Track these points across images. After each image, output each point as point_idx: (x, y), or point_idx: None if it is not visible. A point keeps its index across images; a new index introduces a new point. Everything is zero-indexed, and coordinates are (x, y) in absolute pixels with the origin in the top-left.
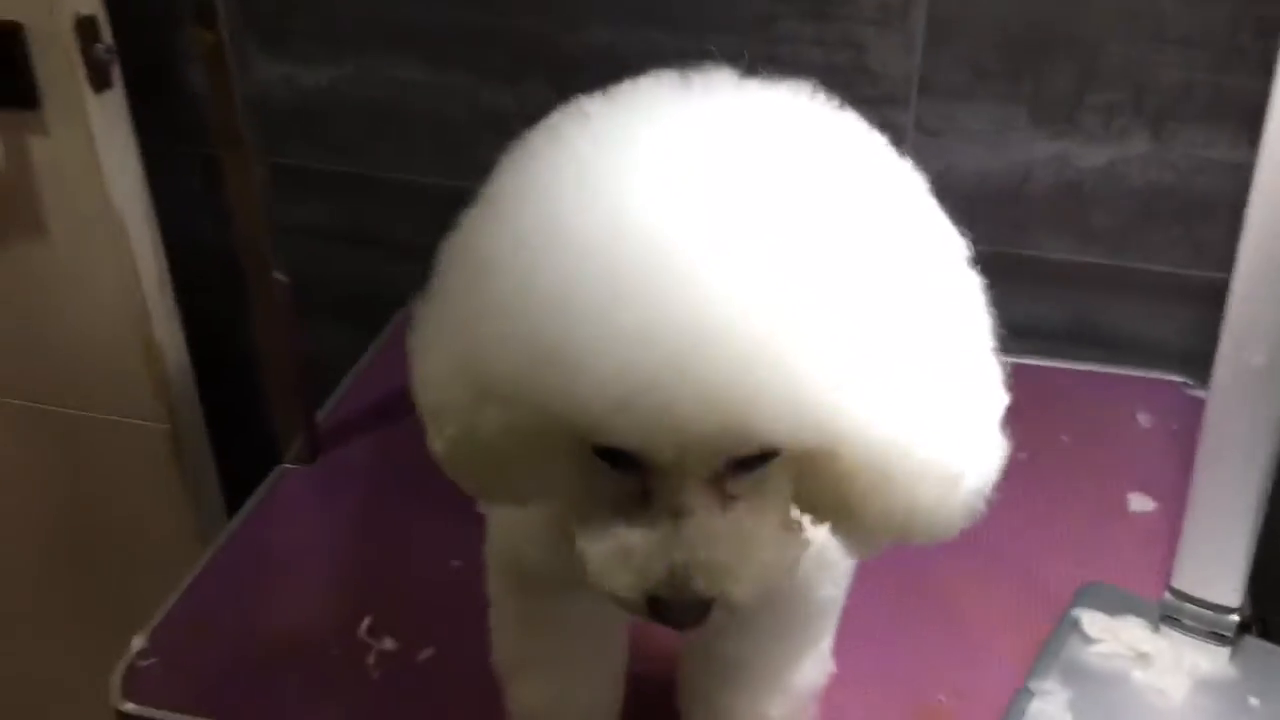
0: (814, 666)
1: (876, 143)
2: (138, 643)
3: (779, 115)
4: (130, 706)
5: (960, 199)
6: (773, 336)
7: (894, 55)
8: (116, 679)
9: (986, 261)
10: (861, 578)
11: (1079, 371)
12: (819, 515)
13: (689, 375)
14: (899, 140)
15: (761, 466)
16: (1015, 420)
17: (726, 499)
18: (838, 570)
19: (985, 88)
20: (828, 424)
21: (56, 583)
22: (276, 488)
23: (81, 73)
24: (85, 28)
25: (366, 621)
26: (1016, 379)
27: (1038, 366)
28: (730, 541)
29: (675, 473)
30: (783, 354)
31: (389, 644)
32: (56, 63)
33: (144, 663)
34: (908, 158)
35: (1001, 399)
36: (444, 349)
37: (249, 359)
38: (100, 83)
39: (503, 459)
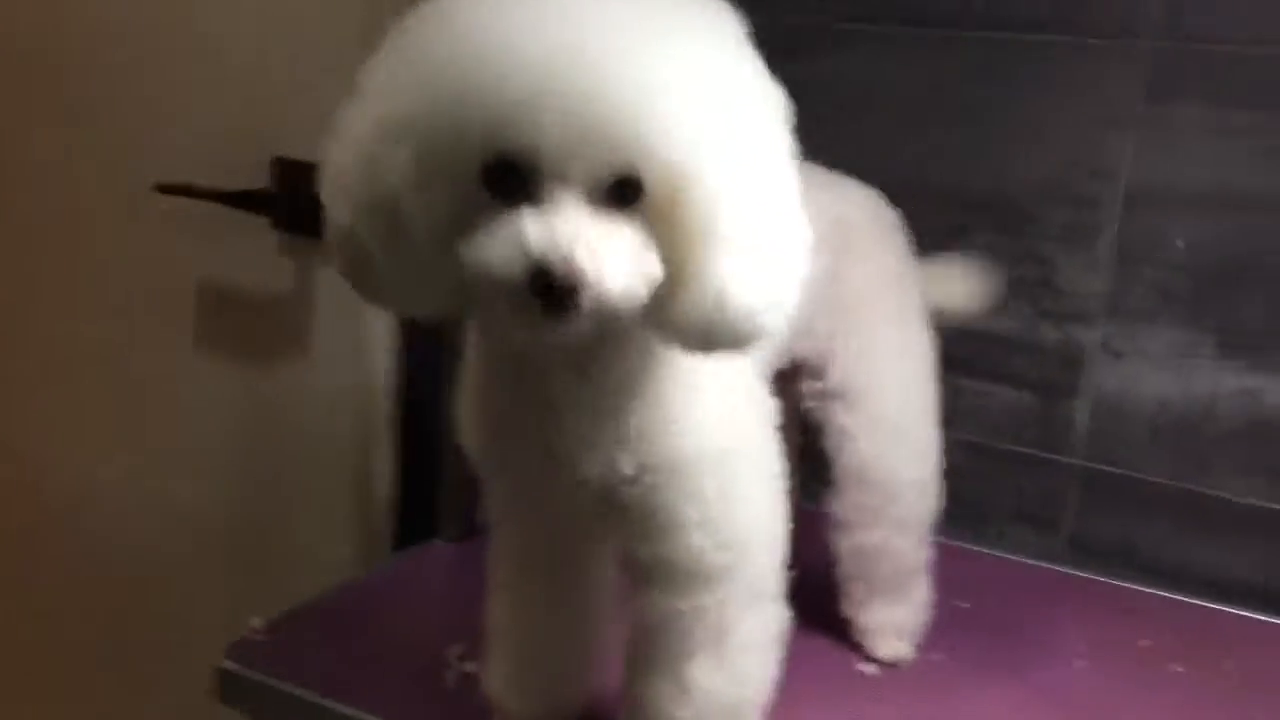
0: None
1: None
2: (256, 621)
3: None
4: (229, 665)
5: (1142, 424)
6: (642, 75)
7: (1080, 273)
8: (226, 643)
9: (1167, 497)
10: None
11: (1262, 623)
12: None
13: (572, 81)
14: (1081, 358)
15: (628, 206)
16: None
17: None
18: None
19: (1171, 312)
20: (674, 154)
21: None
22: (426, 551)
23: None
24: None
25: (457, 648)
26: (1192, 624)
27: (1215, 611)
28: (602, 231)
29: (558, 186)
30: (649, 85)
31: (469, 667)
32: None
33: (256, 637)
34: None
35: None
36: (358, 119)
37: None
38: None
39: (397, 221)
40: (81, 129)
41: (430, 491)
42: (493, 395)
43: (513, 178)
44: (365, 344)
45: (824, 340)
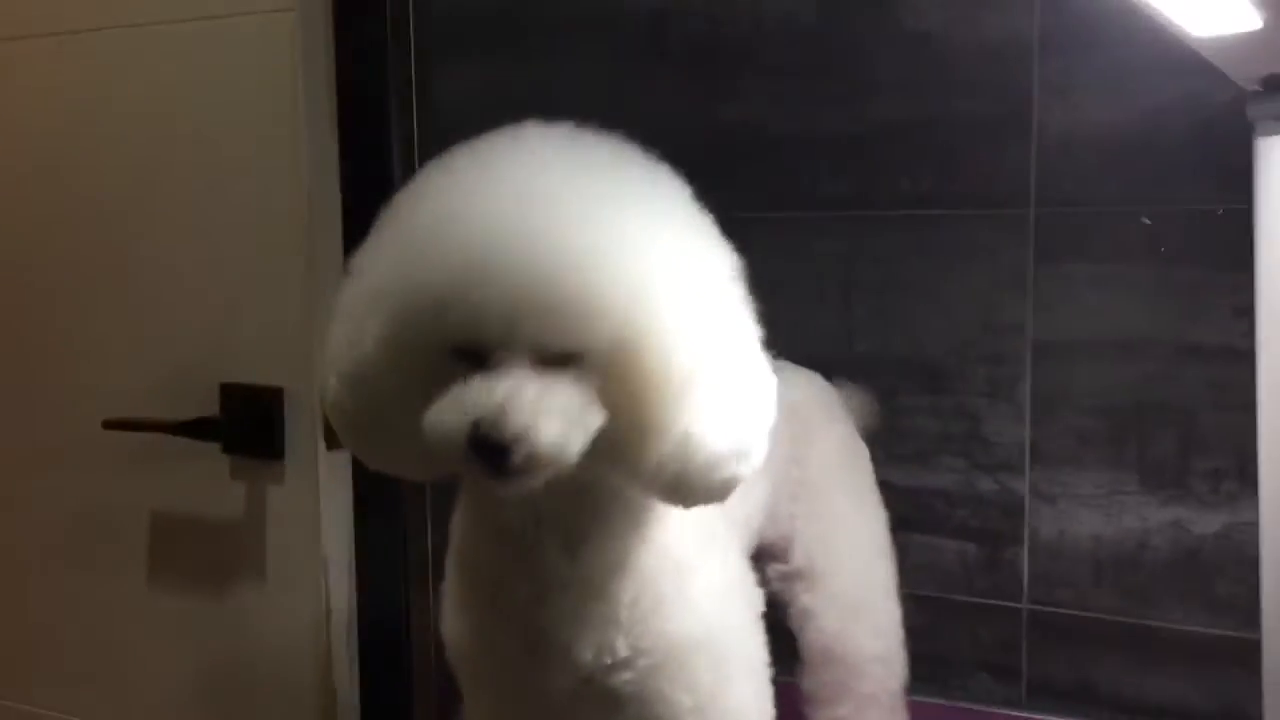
0: None
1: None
2: None
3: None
4: None
5: (1080, 562)
6: (578, 255)
7: (1006, 425)
8: None
9: (1115, 632)
10: None
11: None
12: (615, 420)
13: (508, 268)
14: (1017, 505)
15: (572, 366)
16: None
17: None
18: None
19: (1093, 455)
20: (612, 324)
21: None
22: None
23: (320, 431)
24: None
25: None
26: None
27: None
28: (539, 388)
29: (504, 354)
30: (582, 265)
31: None
32: (304, 422)
33: None
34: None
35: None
36: (349, 295)
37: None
38: (333, 442)
39: (379, 387)
40: (33, 370)
41: (398, 705)
42: (481, 575)
43: (471, 348)
44: (322, 562)
45: (786, 523)
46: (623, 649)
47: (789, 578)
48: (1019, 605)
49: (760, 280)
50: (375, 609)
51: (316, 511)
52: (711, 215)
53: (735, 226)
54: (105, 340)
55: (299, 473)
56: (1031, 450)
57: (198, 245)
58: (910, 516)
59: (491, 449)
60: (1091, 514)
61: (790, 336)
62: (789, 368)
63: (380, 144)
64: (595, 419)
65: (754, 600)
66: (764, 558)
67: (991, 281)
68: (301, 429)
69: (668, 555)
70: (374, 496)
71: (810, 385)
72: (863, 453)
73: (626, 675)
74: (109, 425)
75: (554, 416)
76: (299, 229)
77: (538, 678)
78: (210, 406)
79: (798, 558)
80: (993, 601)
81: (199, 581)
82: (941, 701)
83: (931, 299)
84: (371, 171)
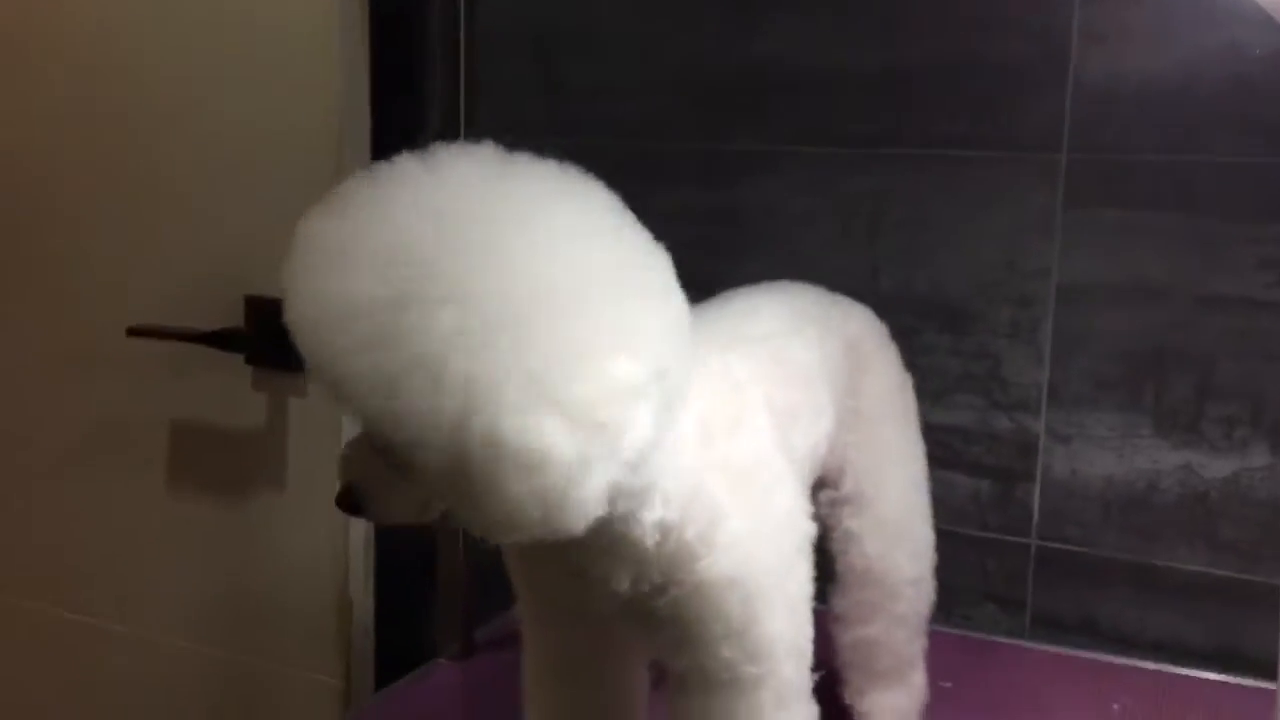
0: None
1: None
2: None
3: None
4: None
5: (1090, 501)
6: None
7: (1025, 366)
8: None
9: (1119, 569)
10: None
11: (1221, 683)
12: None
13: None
14: (1032, 444)
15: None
16: None
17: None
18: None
19: (1109, 398)
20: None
21: None
22: (432, 671)
23: None
24: None
25: None
26: (1157, 688)
27: (1177, 675)
28: (376, 463)
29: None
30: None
31: None
32: None
33: None
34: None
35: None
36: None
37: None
38: None
39: None
40: (57, 274)
41: (414, 619)
42: None
43: None
44: None
45: (840, 452)
46: (656, 577)
47: (837, 503)
48: (1028, 540)
49: (787, 214)
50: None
51: (339, 423)
52: (741, 148)
53: (765, 160)
54: (131, 247)
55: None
56: (1049, 391)
57: (228, 154)
58: (928, 452)
59: (342, 491)
60: (1104, 455)
61: (815, 271)
62: (845, 301)
63: (411, 58)
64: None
65: (799, 535)
66: (817, 485)
67: (1019, 225)
68: None
69: (697, 497)
70: None
71: (864, 318)
72: (908, 384)
73: (661, 600)
74: (133, 332)
75: (388, 488)
76: (330, 141)
77: (584, 599)
78: (233, 318)
79: (848, 484)
80: (1003, 537)
81: (218, 491)
82: (947, 629)
83: (958, 240)
84: (402, 85)
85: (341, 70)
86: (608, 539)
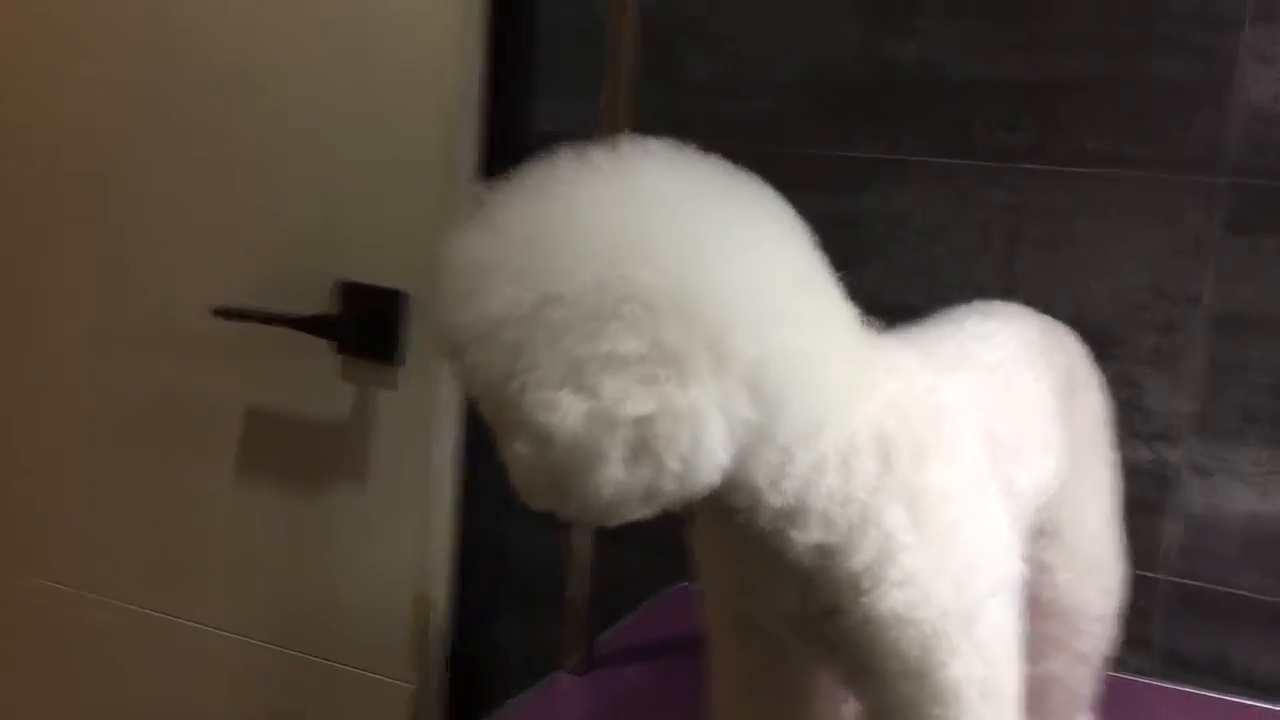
0: None
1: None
2: None
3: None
4: None
5: (1230, 538)
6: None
7: (1167, 395)
8: None
9: (1257, 610)
10: None
11: None
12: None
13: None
14: (1171, 476)
15: None
16: None
17: None
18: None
19: (1257, 431)
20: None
21: None
22: (551, 687)
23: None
24: None
25: None
26: None
27: None
28: None
29: None
30: None
31: None
32: (421, 330)
33: None
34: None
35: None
36: None
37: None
38: None
39: None
40: (142, 249)
41: (491, 627)
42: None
43: None
44: (430, 473)
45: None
46: (824, 601)
47: (1035, 534)
48: (1158, 576)
49: (915, 226)
50: (474, 526)
51: (429, 421)
52: (868, 154)
53: (894, 168)
54: (219, 227)
55: (414, 380)
56: (1194, 422)
57: (328, 135)
58: None
59: None
60: (1247, 491)
61: (949, 284)
62: (1059, 326)
63: (528, 50)
64: None
65: (995, 577)
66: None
67: (1168, 248)
68: (420, 336)
69: (866, 531)
70: None
71: (1076, 345)
72: (1106, 412)
73: (830, 626)
74: (219, 313)
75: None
76: (437, 131)
77: (760, 615)
78: (321, 304)
79: (1048, 515)
80: (1134, 570)
81: (295, 481)
82: None
83: (1101, 261)
84: (517, 77)
85: (452, 50)
86: (770, 557)
